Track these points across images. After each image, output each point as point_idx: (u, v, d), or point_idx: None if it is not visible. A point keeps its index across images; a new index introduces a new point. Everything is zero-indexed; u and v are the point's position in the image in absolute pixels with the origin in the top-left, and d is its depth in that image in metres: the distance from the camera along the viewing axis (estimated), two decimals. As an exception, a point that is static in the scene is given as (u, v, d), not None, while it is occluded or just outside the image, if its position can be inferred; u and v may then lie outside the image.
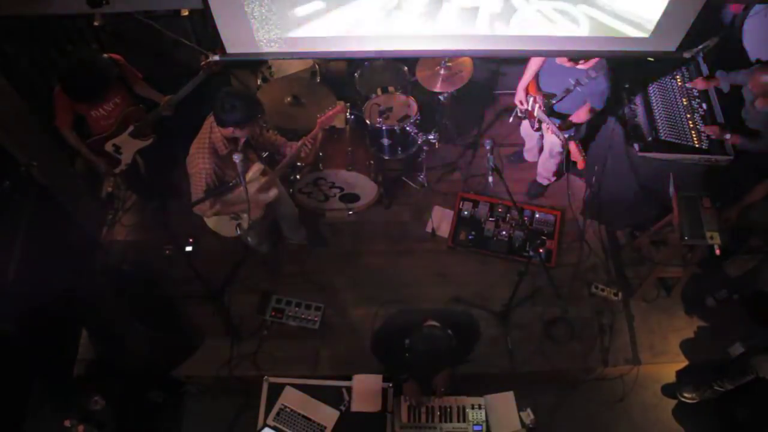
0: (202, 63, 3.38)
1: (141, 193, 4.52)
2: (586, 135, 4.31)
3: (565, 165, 4.04)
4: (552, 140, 4.05)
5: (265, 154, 3.56)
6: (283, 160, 3.50)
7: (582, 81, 3.46)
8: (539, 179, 4.54)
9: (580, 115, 3.68)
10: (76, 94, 3.48)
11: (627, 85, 3.93)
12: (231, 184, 3.29)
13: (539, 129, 3.94)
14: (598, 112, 3.65)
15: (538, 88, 3.79)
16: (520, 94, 3.87)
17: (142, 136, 3.85)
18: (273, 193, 3.50)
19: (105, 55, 3.56)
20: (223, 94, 2.95)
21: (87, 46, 4.14)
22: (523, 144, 4.60)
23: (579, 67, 3.43)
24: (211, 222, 3.54)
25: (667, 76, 3.99)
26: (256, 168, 3.36)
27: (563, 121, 3.73)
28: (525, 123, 4.17)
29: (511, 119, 4.17)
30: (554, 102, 3.71)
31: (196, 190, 3.18)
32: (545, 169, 4.41)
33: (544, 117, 3.72)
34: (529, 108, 3.81)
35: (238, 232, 3.48)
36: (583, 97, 3.57)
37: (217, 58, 3.11)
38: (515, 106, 3.96)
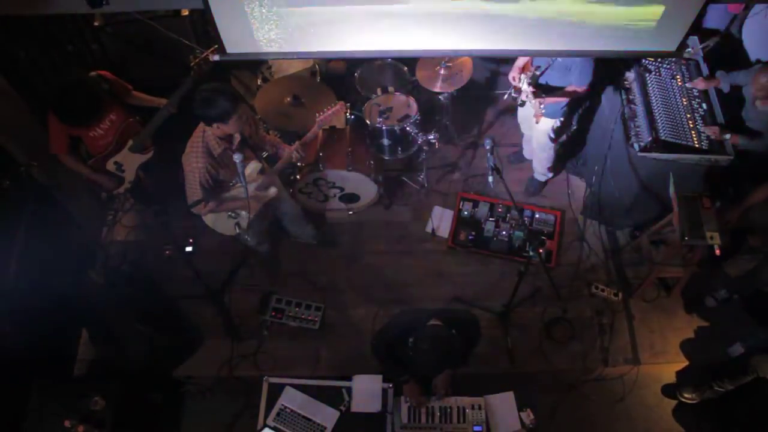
0: (192, 64, 3.35)
1: (141, 201, 4.50)
2: (578, 129, 4.31)
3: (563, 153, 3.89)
4: (538, 128, 3.98)
5: (265, 155, 3.56)
6: (281, 159, 3.50)
7: None
8: (536, 175, 4.54)
9: (564, 94, 3.66)
10: (69, 119, 3.41)
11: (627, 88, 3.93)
12: (231, 184, 3.29)
13: (523, 104, 3.84)
14: (580, 91, 3.61)
15: (531, 64, 3.77)
16: (514, 71, 3.81)
17: (142, 149, 3.78)
18: (272, 191, 3.50)
19: (93, 73, 3.48)
20: (200, 91, 2.94)
21: (75, 68, 4.10)
22: (521, 143, 4.60)
23: None
24: (208, 219, 3.53)
25: (667, 75, 3.99)
26: (253, 166, 3.36)
27: (538, 91, 3.65)
28: (521, 111, 4.14)
29: (505, 96, 4.07)
30: (538, 73, 3.67)
31: (189, 188, 3.18)
32: (540, 164, 4.40)
33: (525, 88, 3.67)
34: (519, 84, 3.77)
35: (237, 231, 3.48)
36: (566, 68, 3.55)
37: (217, 58, 3.12)
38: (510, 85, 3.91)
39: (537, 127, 3.99)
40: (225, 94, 2.92)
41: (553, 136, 4.05)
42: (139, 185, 4.05)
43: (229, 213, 3.48)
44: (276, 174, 3.52)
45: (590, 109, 4.25)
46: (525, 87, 3.70)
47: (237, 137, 3.13)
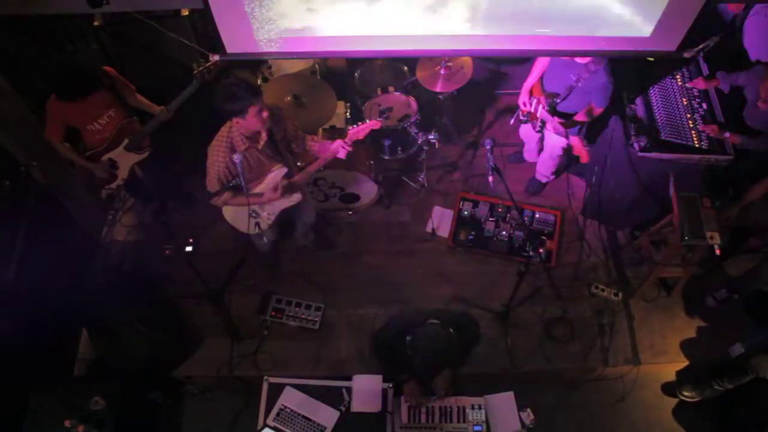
0: (195, 72, 3.36)
1: (140, 199, 4.51)
2: (587, 135, 4.31)
3: (568, 161, 3.98)
4: (552, 142, 4.04)
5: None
6: (314, 163, 3.44)
7: (582, 76, 3.46)
8: (538, 176, 4.54)
9: (581, 115, 3.68)
10: (68, 92, 3.41)
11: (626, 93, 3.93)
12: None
13: (541, 130, 3.93)
14: (598, 112, 3.63)
15: (542, 90, 3.78)
16: (523, 96, 3.85)
17: (138, 149, 3.82)
18: (296, 197, 3.47)
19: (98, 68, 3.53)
20: (221, 86, 2.92)
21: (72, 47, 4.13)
22: (522, 144, 4.61)
23: (578, 61, 3.43)
24: (228, 215, 3.52)
25: (667, 76, 3.99)
26: (278, 170, 3.31)
27: (567, 120, 3.72)
28: (524, 127, 4.17)
29: (512, 121, 4.15)
30: (558, 101, 3.70)
31: (209, 180, 3.18)
32: (545, 168, 4.41)
33: (547, 117, 3.72)
34: (532, 110, 3.81)
35: (257, 230, 3.45)
36: (587, 93, 3.56)
37: (217, 58, 3.12)
38: (518, 107, 3.95)
39: (549, 141, 4.01)
40: (243, 90, 2.88)
41: (564, 150, 4.08)
42: (138, 183, 4.05)
43: (251, 212, 3.44)
44: (305, 178, 3.49)
45: (601, 126, 4.25)
46: (542, 114, 3.72)
47: (263, 137, 3.09)
